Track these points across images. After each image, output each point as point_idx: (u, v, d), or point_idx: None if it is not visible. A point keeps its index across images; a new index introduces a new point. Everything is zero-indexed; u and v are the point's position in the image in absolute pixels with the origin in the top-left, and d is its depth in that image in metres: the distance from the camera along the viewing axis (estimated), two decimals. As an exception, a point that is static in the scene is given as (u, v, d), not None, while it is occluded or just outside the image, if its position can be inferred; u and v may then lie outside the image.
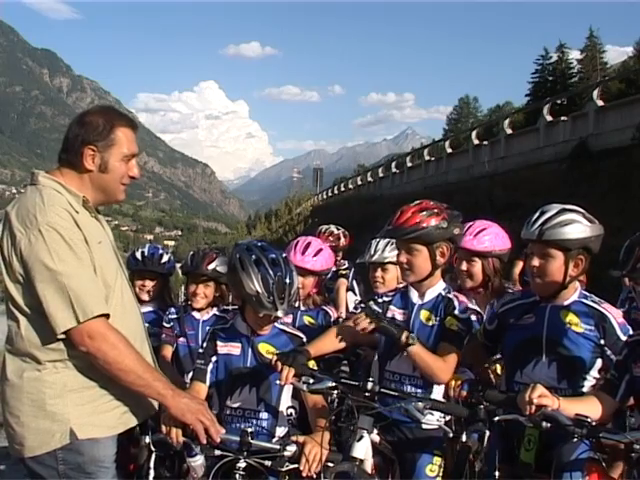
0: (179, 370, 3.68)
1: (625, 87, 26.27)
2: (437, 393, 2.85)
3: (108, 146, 2.38)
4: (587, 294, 2.69)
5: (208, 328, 2.93)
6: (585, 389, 2.58)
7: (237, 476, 2.38)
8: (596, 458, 2.42)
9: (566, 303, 2.64)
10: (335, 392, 2.56)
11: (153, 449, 3.01)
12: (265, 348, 2.70)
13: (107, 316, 2.27)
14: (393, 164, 36.41)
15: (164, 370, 2.52)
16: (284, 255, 2.70)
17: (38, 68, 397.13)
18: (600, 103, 18.37)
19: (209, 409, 2.40)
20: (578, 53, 40.74)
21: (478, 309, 3.00)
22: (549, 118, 20.78)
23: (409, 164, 33.18)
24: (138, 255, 4.02)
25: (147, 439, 2.98)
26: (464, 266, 3.44)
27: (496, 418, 2.51)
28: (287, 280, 2.56)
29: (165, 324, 3.82)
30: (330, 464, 2.40)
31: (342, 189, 46.67)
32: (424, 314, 2.90)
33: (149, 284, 4.02)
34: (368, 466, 2.63)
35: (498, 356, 3.06)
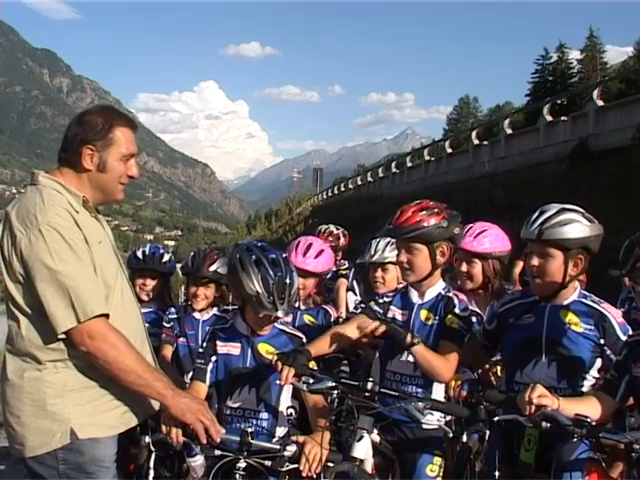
0: (179, 370, 3.68)
1: (625, 87, 26.27)
2: (437, 393, 2.85)
3: (106, 145, 2.38)
4: (587, 294, 2.69)
5: (208, 328, 2.93)
6: (585, 389, 2.58)
7: (237, 476, 2.38)
8: (596, 458, 2.42)
9: (566, 303, 2.64)
10: (335, 392, 2.56)
11: (153, 449, 3.01)
12: (265, 348, 2.70)
13: (107, 316, 2.27)
14: (393, 164, 36.41)
15: (164, 370, 2.52)
16: (284, 255, 2.70)
17: (38, 68, 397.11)
18: (600, 103, 18.38)
19: (209, 409, 2.40)
20: (578, 53, 40.82)
21: (478, 310, 3.01)
22: (549, 118, 20.79)
23: (409, 164, 33.19)
24: (139, 254, 4.03)
25: (147, 439, 2.98)
26: (464, 267, 3.44)
27: (496, 418, 2.51)
28: (287, 280, 2.56)
29: (165, 324, 3.82)
30: (330, 464, 2.40)
31: (342, 189, 46.68)
32: (424, 314, 2.90)
33: (150, 283, 4.02)
34: (368, 466, 2.63)
35: (498, 357, 3.06)
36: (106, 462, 2.32)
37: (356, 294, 5.33)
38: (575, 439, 2.21)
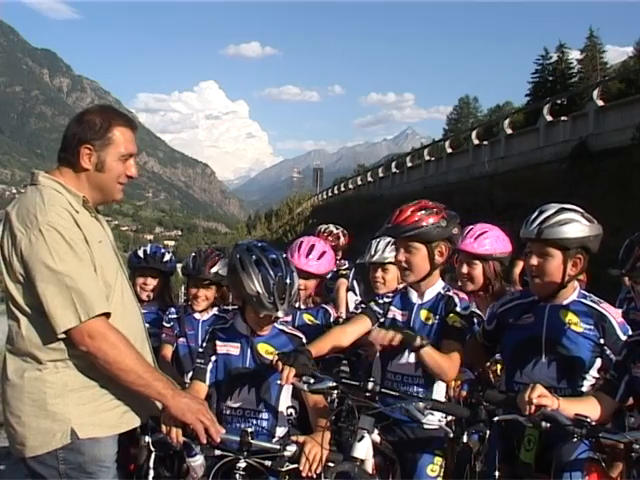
0: (179, 370, 3.68)
1: (625, 87, 26.26)
2: (438, 393, 2.85)
3: (105, 145, 2.37)
4: (586, 294, 2.69)
5: (208, 328, 2.93)
6: (585, 389, 2.58)
7: (237, 476, 2.38)
8: (596, 458, 2.42)
9: (565, 302, 2.64)
10: (335, 392, 2.56)
11: (153, 449, 3.01)
12: (264, 348, 2.70)
13: (108, 315, 2.27)
14: (393, 164, 36.41)
15: (164, 370, 2.52)
16: (284, 255, 2.70)
17: (38, 68, 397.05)
18: (600, 103, 18.38)
19: (209, 409, 2.40)
20: (578, 53, 40.80)
21: (478, 312, 3.01)
22: (549, 118, 20.79)
23: (409, 164, 33.18)
24: (140, 253, 4.04)
25: (147, 439, 2.98)
26: (465, 269, 3.45)
27: (496, 418, 2.51)
28: (288, 280, 2.56)
29: (165, 324, 3.83)
30: (330, 464, 2.40)
31: (342, 189, 46.67)
32: (424, 314, 2.91)
33: (151, 282, 4.02)
34: (369, 466, 2.62)
35: (498, 356, 3.06)
36: (106, 462, 2.32)
37: (356, 294, 5.33)
38: (575, 439, 2.21)
